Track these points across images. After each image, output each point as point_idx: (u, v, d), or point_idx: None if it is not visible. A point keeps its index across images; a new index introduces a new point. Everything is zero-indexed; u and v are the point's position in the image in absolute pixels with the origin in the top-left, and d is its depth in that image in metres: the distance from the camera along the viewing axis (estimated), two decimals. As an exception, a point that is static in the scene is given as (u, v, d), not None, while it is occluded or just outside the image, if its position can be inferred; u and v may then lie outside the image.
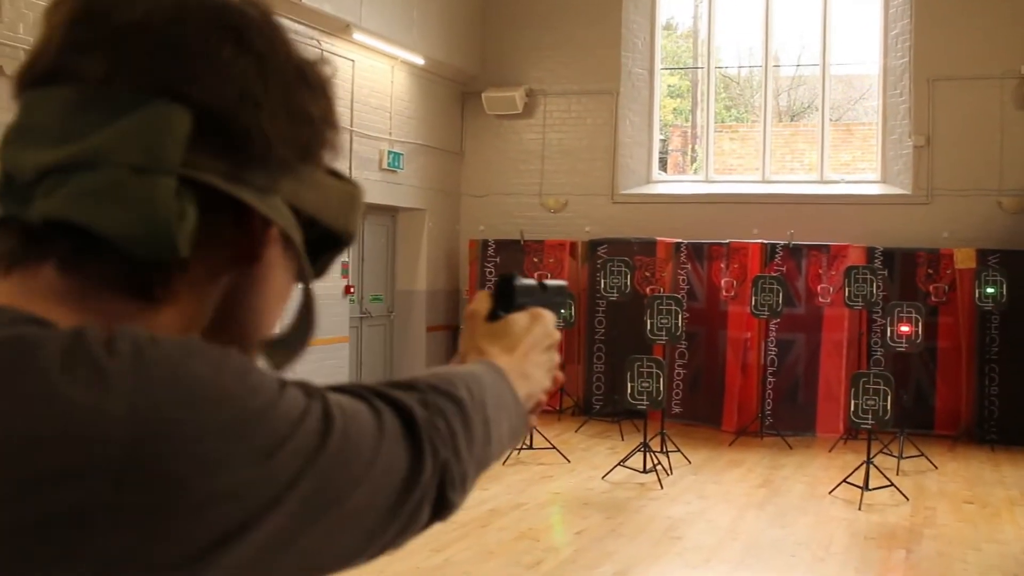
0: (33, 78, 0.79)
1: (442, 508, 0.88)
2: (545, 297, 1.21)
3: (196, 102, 0.77)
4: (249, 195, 0.79)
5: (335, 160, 0.89)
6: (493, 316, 1.15)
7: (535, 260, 12.32)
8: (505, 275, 1.18)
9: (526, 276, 1.21)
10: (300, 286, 0.88)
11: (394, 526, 0.82)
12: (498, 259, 12.47)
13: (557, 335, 1.18)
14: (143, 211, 0.74)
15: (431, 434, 0.85)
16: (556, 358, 1.18)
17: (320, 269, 0.92)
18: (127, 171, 0.74)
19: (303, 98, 0.84)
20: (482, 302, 1.17)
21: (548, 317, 1.18)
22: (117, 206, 0.74)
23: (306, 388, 0.76)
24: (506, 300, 1.16)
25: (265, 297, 0.86)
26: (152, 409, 0.67)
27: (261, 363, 0.82)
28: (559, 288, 1.25)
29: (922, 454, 9.72)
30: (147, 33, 0.77)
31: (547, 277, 1.27)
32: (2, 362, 0.68)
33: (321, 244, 0.90)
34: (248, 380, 0.72)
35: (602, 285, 11.40)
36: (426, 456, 0.84)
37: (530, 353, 1.13)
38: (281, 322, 0.90)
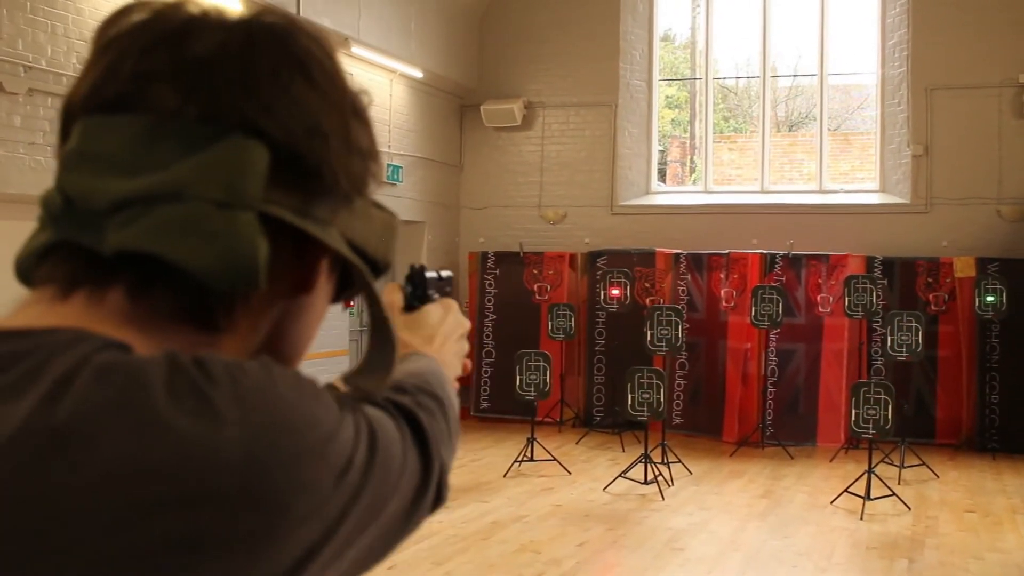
0: (96, 105, 0.79)
1: (437, 503, 0.90)
2: (441, 286, 1.25)
3: (270, 136, 0.78)
4: (315, 228, 0.81)
5: (377, 191, 0.90)
6: (409, 307, 1.19)
7: (535, 272, 12.33)
8: (415, 266, 1.21)
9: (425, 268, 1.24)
10: (368, 312, 0.91)
11: (408, 528, 0.85)
12: (498, 271, 12.48)
13: (467, 324, 1.23)
14: (227, 246, 0.75)
15: (434, 437, 0.88)
16: (466, 347, 1.23)
17: (351, 296, 0.94)
18: (210, 205, 0.75)
19: (357, 131, 0.85)
20: (395, 293, 1.20)
21: (456, 307, 1.23)
22: (200, 240, 0.75)
23: (347, 402, 0.78)
24: (419, 291, 1.20)
25: (309, 323, 0.89)
26: (259, 437, 0.69)
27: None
28: (451, 279, 1.29)
29: (923, 463, 9.72)
30: (221, 65, 0.78)
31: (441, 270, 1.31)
32: (113, 388, 0.68)
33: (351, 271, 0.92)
34: (321, 399, 0.75)
35: (602, 296, 11.40)
36: (433, 459, 0.87)
37: (446, 342, 1.17)
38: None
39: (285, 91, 0.79)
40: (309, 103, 0.80)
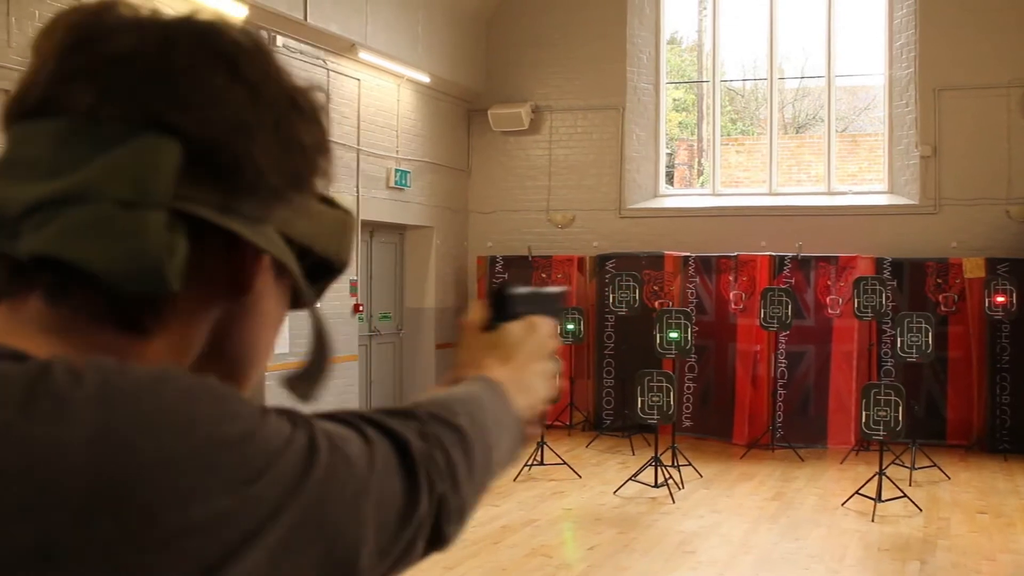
0: (22, 111, 0.78)
1: (437, 542, 0.86)
2: (542, 304, 1.19)
3: (186, 133, 0.75)
4: (241, 226, 0.78)
5: (328, 187, 0.87)
6: (489, 327, 1.14)
7: (543, 276, 12.33)
8: (499, 284, 1.17)
9: (526, 285, 1.19)
10: (309, 314, 0.86)
11: (386, 562, 0.79)
12: (506, 275, 12.47)
13: (554, 342, 1.17)
14: (132, 247, 0.73)
15: (428, 467, 0.83)
16: (556, 366, 1.16)
17: (315, 296, 0.90)
18: (116, 206, 0.73)
19: (296, 126, 0.82)
20: (478, 312, 1.15)
21: (545, 325, 1.16)
22: (106, 242, 0.73)
23: (292, 417, 0.74)
24: (501, 310, 1.14)
25: (257, 326, 0.85)
26: (113, 437, 0.65)
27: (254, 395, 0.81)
28: (556, 295, 1.24)
29: (934, 464, 9.69)
30: (136, 63, 0.76)
31: (546, 284, 1.26)
32: None
33: (315, 271, 0.89)
34: (225, 407, 0.70)
35: (611, 300, 11.40)
36: (422, 490, 0.81)
37: (528, 363, 1.11)
38: (273, 353, 0.89)
39: (203, 86, 0.77)
40: (231, 98, 0.78)
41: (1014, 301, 10.34)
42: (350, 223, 0.91)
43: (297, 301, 0.88)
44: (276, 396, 6.48)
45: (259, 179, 0.79)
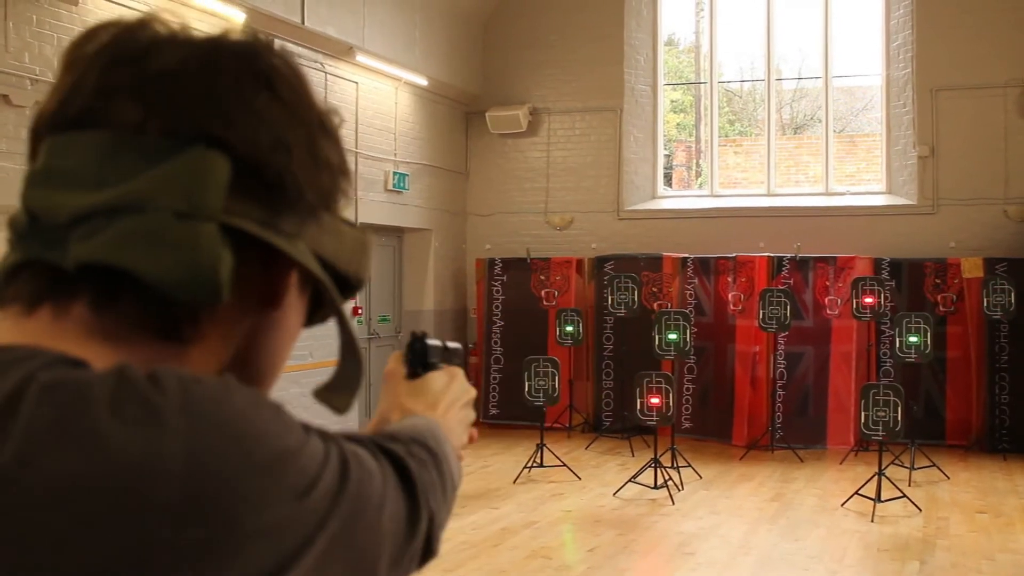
0: (60, 122, 0.80)
1: (428, 554, 0.90)
2: (450, 356, 1.26)
3: (232, 148, 0.78)
4: (280, 241, 0.81)
5: (347, 208, 0.91)
6: (412, 375, 1.20)
7: (542, 278, 12.33)
8: (417, 334, 1.22)
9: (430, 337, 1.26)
10: (340, 327, 0.90)
11: (394, 573, 0.83)
12: (505, 277, 12.48)
13: (473, 392, 1.24)
14: (187, 256, 0.75)
15: (423, 485, 0.88)
16: (472, 415, 1.22)
17: (324, 317, 0.93)
18: (170, 216, 0.75)
19: (324, 146, 0.85)
20: (398, 362, 1.21)
21: (462, 375, 1.23)
22: (162, 251, 0.75)
23: (321, 432, 0.78)
24: (421, 359, 1.21)
25: (280, 339, 0.88)
26: (206, 446, 0.68)
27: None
28: (458, 350, 1.30)
29: (934, 464, 9.70)
30: (181, 79, 0.78)
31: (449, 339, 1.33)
32: (55, 407, 0.68)
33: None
34: (281, 419, 0.74)
35: (609, 301, 11.40)
36: (421, 506, 0.87)
37: (450, 410, 1.17)
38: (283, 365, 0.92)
39: (248, 104, 0.79)
40: (273, 117, 0.80)
41: (1012, 301, 10.33)
42: (369, 243, 0.94)
43: (310, 317, 0.92)
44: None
45: (298, 196, 0.82)
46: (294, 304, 0.87)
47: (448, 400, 1.18)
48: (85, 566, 0.64)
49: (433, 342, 1.23)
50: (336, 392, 0.90)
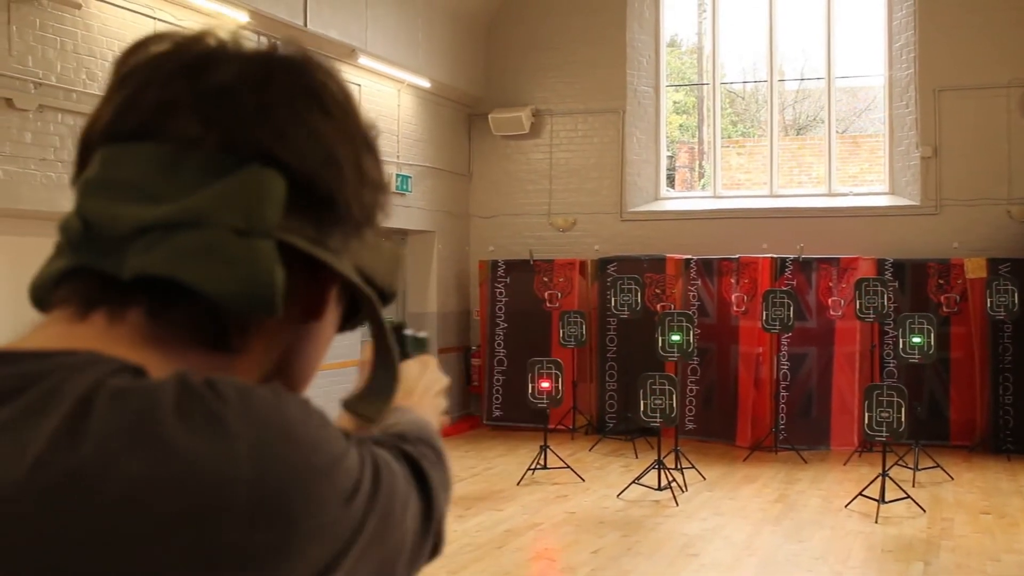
0: (117, 133, 0.81)
1: (435, 552, 0.92)
2: (419, 346, 1.27)
3: (287, 165, 0.79)
4: (330, 257, 0.83)
5: (385, 222, 0.93)
6: None
7: (545, 279, 12.33)
8: (395, 323, 1.22)
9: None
10: (376, 337, 0.93)
11: (411, 570, 0.86)
12: (508, 279, 12.48)
13: (445, 380, 1.25)
14: (246, 272, 0.77)
15: (435, 483, 0.91)
16: (444, 403, 1.23)
17: (355, 325, 0.96)
18: (229, 233, 0.77)
19: (368, 162, 0.87)
20: (370, 351, 1.22)
21: (435, 363, 1.25)
22: (221, 267, 0.77)
23: (353, 437, 0.80)
24: (399, 349, 1.21)
25: (317, 348, 0.90)
26: (270, 453, 0.70)
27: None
28: (426, 339, 1.31)
29: (938, 465, 9.69)
30: (237, 95, 0.80)
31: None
32: (126, 412, 0.69)
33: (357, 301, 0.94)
34: (327, 425, 0.76)
35: (613, 303, 11.39)
36: (434, 504, 0.89)
37: (424, 397, 1.18)
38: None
39: (301, 121, 0.81)
40: (324, 133, 0.82)
41: (1015, 301, 10.32)
42: (402, 257, 0.97)
43: (342, 325, 0.94)
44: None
45: (347, 213, 0.84)
46: (331, 317, 0.89)
47: (422, 387, 1.19)
48: (154, 569, 0.66)
49: (408, 332, 1.25)
50: (368, 401, 0.93)
